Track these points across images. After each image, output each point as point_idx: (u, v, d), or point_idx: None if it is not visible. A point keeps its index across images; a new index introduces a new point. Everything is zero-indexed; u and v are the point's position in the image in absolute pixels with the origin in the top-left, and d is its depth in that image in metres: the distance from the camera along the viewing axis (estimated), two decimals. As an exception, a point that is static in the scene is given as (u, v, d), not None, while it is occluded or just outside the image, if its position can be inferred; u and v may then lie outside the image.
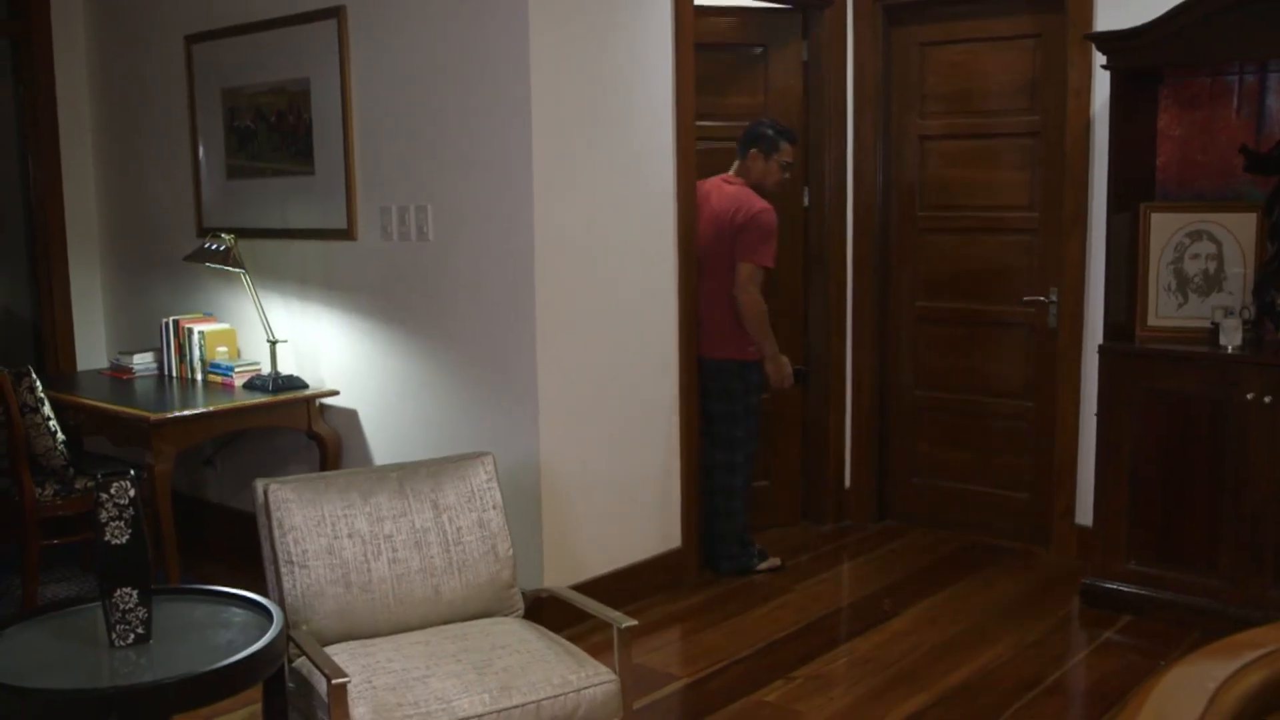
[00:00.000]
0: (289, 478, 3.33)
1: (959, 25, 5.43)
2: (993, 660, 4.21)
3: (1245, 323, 4.35)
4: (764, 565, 5.12)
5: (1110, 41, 4.43)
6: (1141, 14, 4.36)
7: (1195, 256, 4.54)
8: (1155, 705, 1.41)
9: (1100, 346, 4.58)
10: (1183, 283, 4.55)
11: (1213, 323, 4.41)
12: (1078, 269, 5.03)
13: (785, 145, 5.02)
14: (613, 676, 3.07)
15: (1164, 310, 4.58)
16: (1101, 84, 4.77)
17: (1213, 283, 4.51)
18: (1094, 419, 4.66)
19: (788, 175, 5.11)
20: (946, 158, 5.56)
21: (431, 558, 3.31)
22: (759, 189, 4.98)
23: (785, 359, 5.02)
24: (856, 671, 4.14)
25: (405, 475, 3.41)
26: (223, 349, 5.34)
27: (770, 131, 5.00)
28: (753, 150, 4.99)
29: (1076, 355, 5.07)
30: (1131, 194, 4.60)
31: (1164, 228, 4.57)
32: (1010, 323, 5.42)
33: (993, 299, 5.46)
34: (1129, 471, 4.49)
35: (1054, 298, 5.18)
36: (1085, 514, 4.95)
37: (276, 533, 3.19)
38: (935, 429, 5.74)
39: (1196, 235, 4.53)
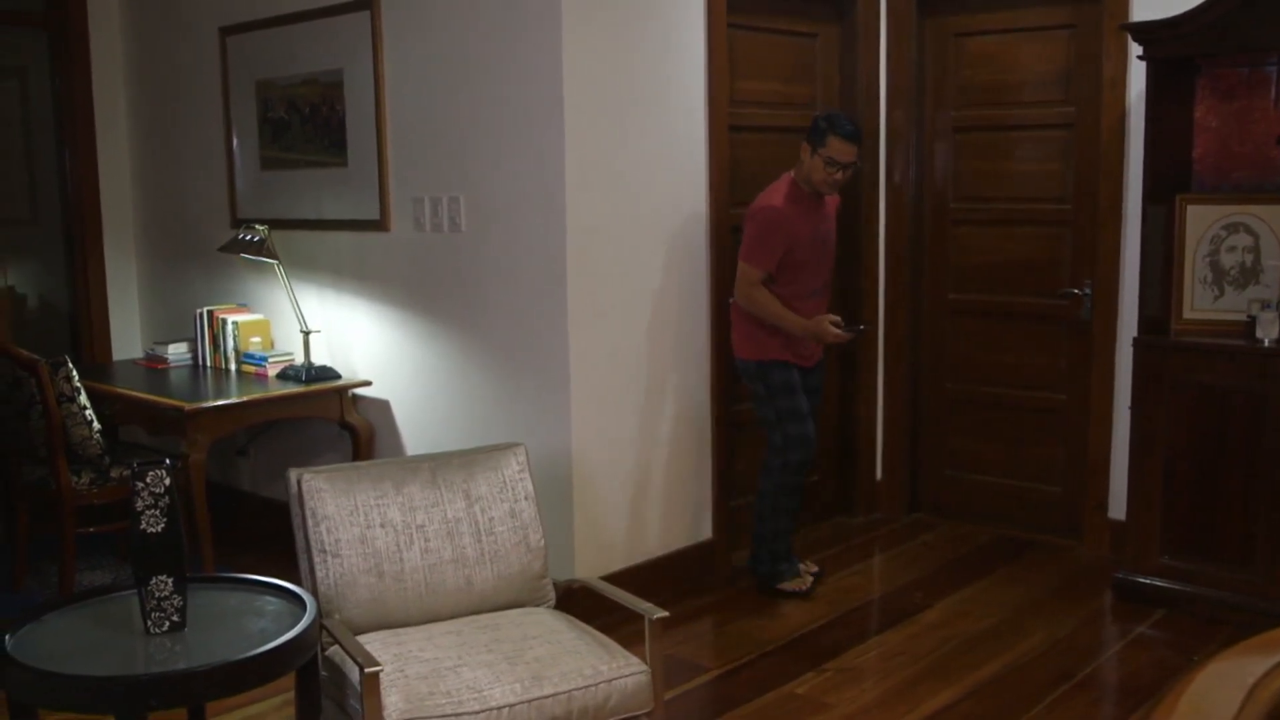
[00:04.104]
0: (322, 467, 3.34)
1: (992, 15, 5.39)
2: (1024, 654, 4.20)
3: (1282, 316, 4.32)
4: (787, 585, 4.77)
5: (1146, 31, 4.39)
6: (1178, 4, 4.32)
7: (1232, 249, 4.50)
8: (1192, 700, 1.40)
9: (1135, 339, 4.55)
10: (1219, 275, 4.51)
11: (1249, 315, 4.37)
12: (1112, 261, 5.00)
13: (834, 140, 4.46)
14: (644, 667, 3.08)
15: (1200, 303, 4.54)
16: (1137, 74, 4.73)
17: (1249, 275, 4.47)
18: (1128, 412, 4.63)
19: (839, 176, 4.54)
20: (980, 149, 5.52)
21: (463, 548, 3.32)
22: (810, 185, 4.56)
23: (820, 320, 4.52)
24: (887, 664, 4.13)
25: (437, 466, 3.42)
26: (256, 339, 5.38)
27: (821, 123, 4.52)
28: (804, 142, 4.55)
29: (1110, 348, 5.04)
30: (1167, 186, 4.57)
31: (1200, 220, 4.53)
32: (1044, 315, 5.38)
33: (1026, 291, 5.43)
34: (1163, 465, 4.46)
35: (1088, 290, 5.15)
36: (1118, 508, 4.92)
37: (310, 522, 3.21)
38: (968, 422, 5.71)
39: (1233, 227, 4.49)
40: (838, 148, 4.48)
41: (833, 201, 4.78)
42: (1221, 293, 4.51)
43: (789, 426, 4.66)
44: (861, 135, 4.63)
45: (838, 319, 4.53)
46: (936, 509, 5.84)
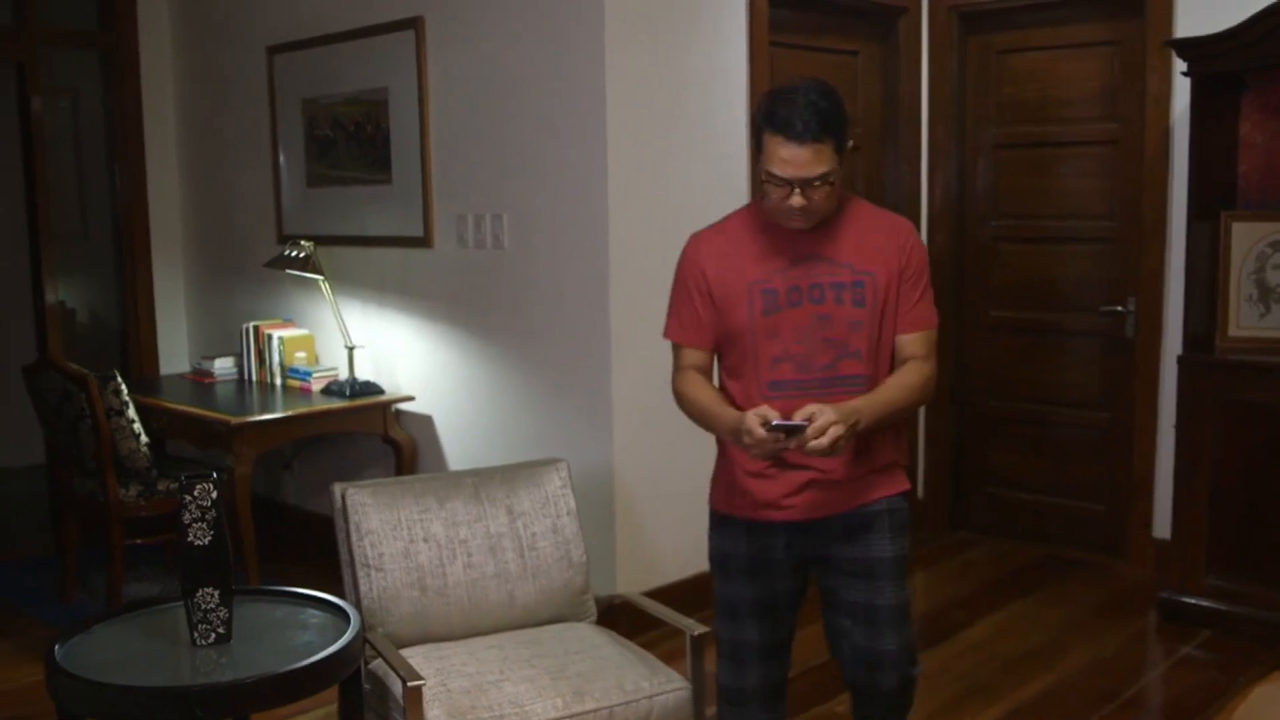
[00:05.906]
0: (366, 482, 3.37)
1: (1035, 32, 5.38)
2: (1068, 674, 4.16)
3: (1330, 334, 4.27)
4: None
5: (1190, 48, 4.36)
6: (1222, 19, 4.29)
7: (1277, 266, 4.45)
8: (1238, 721, 1.40)
9: (1180, 357, 4.51)
10: (1265, 293, 4.47)
11: (1296, 334, 4.34)
12: (1156, 278, 4.96)
13: (770, 139, 2.58)
14: (685, 684, 3.08)
15: (1245, 321, 4.50)
16: (1181, 91, 4.70)
17: (1296, 293, 4.44)
18: (1172, 431, 4.60)
19: (794, 202, 2.60)
20: (1022, 165, 5.50)
21: (506, 563, 3.33)
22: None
23: (748, 418, 2.58)
24: (930, 683, 4.10)
25: (480, 481, 3.44)
26: (301, 354, 5.42)
27: (759, 109, 2.65)
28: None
29: (1155, 366, 5.00)
30: (1212, 202, 4.53)
31: (1245, 237, 4.49)
32: (1087, 332, 5.35)
33: (1069, 308, 5.40)
34: (1209, 484, 4.41)
35: (1132, 307, 5.11)
36: (1163, 527, 4.87)
37: (354, 536, 3.24)
38: (1010, 439, 5.68)
39: (1279, 245, 4.45)
40: (777, 154, 2.57)
41: (878, 228, 2.88)
42: (1267, 310, 4.47)
43: (720, 620, 3.01)
44: (835, 128, 2.57)
45: (767, 414, 2.57)
46: (979, 527, 5.80)
